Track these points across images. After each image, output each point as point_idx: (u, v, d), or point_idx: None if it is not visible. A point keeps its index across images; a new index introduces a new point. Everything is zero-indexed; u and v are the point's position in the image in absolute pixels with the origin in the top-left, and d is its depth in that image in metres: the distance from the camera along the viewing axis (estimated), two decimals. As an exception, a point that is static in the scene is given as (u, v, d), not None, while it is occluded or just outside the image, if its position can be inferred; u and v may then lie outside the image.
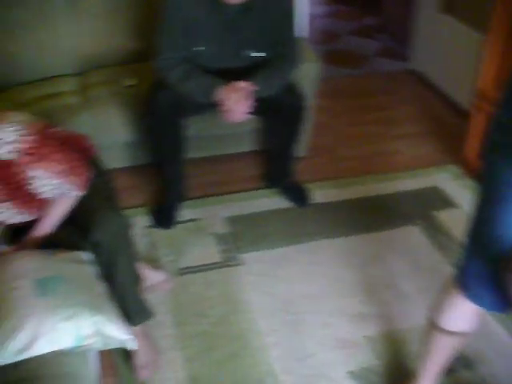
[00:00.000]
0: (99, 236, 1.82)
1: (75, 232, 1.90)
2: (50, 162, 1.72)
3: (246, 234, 2.75)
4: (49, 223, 1.87)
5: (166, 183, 2.80)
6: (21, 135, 1.68)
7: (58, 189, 1.77)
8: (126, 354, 2.07)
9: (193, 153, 2.82)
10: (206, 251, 2.64)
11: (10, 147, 1.65)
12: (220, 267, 2.56)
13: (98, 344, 1.61)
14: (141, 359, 2.05)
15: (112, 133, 2.83)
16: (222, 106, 2.39)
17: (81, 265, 1.80)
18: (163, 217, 2.79)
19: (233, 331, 2.26)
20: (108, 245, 1.84)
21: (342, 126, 3.64)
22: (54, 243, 1.87)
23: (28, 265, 1.71)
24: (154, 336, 2.17)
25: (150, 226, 2.77)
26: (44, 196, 1.78)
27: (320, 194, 3.01)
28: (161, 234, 2.73)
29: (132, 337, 1.69)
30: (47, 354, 1.52)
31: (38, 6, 2.93)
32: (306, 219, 2.85)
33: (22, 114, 1.79)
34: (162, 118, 2.49)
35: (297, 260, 2.61)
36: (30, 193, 1.75)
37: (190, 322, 2.29)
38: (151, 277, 2.35)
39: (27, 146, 1.68)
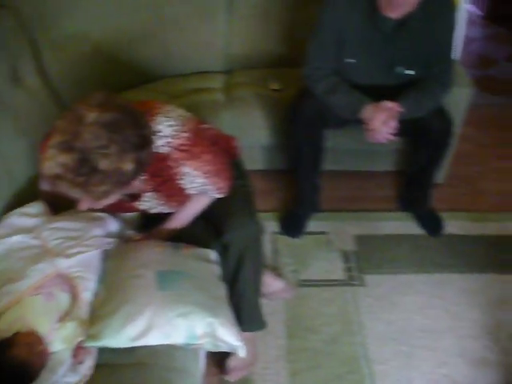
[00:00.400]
0: (231, 239, 1.86)
1: (207, 230, 1.95)
2: (200, 161, 1.74)
3: (371, 254, 2.70)
4: (183, 218, 1.93)
5: (300, 192, 2.80)
6: (176, 131, 1.69)
7: (201, 187, 1.80)
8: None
9: (327, 165, 2.80)
10: (329, 267, 2.62)
11: (164, 141, 1.67)
12: (340, 285, 2.53)
13: (208, 345, 1.65)
14: (237, 362, 2.07)
15: (251, 135, 2.87)
16: (367, 125, 2.35)
17: (206, 263, 1.85)
18: (292, 225, 2.80)
19: (343, 352, 2.23)
20: (238, 249, 1.87)
21: (488, 157, 3.44)
22: (184, 237, 1.92)
23: (154, 255, 1.79)
24: (264, 343, 2.20)
25: (277, 233, 2.79)
26: (187, 192, 1.83)
27: (454, 225, 2.87)
28: (286, 242, 2.74)
29: (242, 344, 1.72)
30: (159, 345, 1.59)
31: (200, 1, 3.04)
32: (437, 249, 2.74)
33: (179, 109, 1.81)
34: (304, 127, 2.49)
35: (420, 290, 2.52)
36: (176, 187, 1.79)
37: (301, 335, 2.29)
38: (271, 284, 2.37)
39: (180, 142, 1.70)
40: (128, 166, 1.46)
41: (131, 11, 2.97)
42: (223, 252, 1.91)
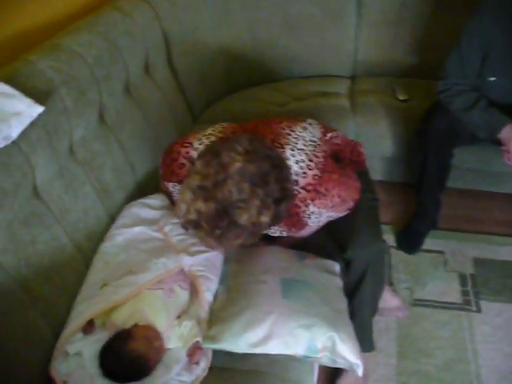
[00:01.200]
0: (354, 256, 1.80)
1: (331, 242, 1.89)
2: (327, 198, 1.60)
3: (490, 280, 2.56)
4: (305, 233, 1.87)
5: (421, 207, 2.69)
6: (303, 168, 1.58)
7: (327, 218, 1.73)
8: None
9: (449, 182, 2.69)
10: (445, 288, 2.51)
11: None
12: (456, 308, 2.42)
13: (325, 359, 1.60)
14: (349, 380, 2.02)
15: (375, 144, 2.79)
16: (505, 147, 2.23)
17: (330, 275, 1.80)
18: (409, 241, 2.71)
19: (455, 381, 2.12)
20: (360, 267, 1.81)
21: None
22: (308, 246, 1.88)
23: (278, 262, 1.77)
24: (375, 361, 2.13)
25: (392, 247, 2.71)
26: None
27: None
28: (402, 257, 2.65)
29: (361, 362, 1.65)
30: (276, 355, 1.56)
31: (329, 4, 3.01)
32: None
33: (306, 132, 1.68)
34: (434, 143, 2.39)
35: (544, 324, 2.37)
36: (301, 221, 1.69)
37: (413, 357, 2.20)
38: (388, 300, 2.30)
39: (307, 181, 1.58)
40: (266, 219, 1.38)
41: (256, 10, 2.97)
42: (344, 267, 1.85)
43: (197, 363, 1.55)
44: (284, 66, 3.13)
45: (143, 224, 1.88)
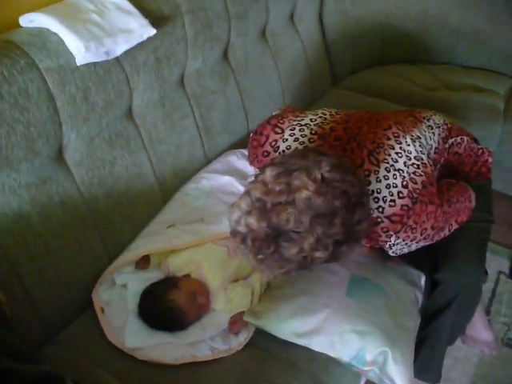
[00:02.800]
0: (446, 280, 1.57)
1: (427, 254, 1.68)
2: (414, 232, 1.36)
3: None
4: None
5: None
6: (394, 195, 1.33)
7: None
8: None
9: None
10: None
11: (377, 205, 1.34)
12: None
13: (372, 374, 1.44)
14: None
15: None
16: None
17: (409, 286, 1.61)
18: (524, 271, 2.42)
19: None
20: (448, 295, 1.59)
21: None
22: None
23: (357, 255, 1.61)
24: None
25: (504, 274, 2.43)
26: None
27: None
28: (511, 288, 2.37)
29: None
30: (320, 353, 1.43)
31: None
32: None
33: (417, 148, 1.42)
34: None
35: None
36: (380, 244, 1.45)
37: (485, 399, 1.97)
38: (478, 329, 2.05)
39: (394, 211, 1.33)
40: (320, 256, 1.18)
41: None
42: (432, 285, 1.65)
43: (236, 334, 1.46)
44: (447, 49, 2.84)
45: (234, 175, 1.80)
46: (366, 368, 1.43)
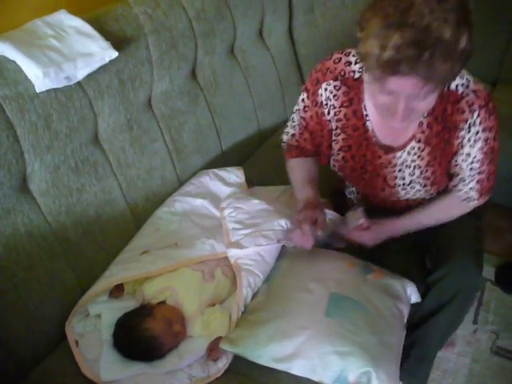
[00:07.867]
0: (443, 282, 1.54)
1: (416, 260, 1.66)
2: (490, 120, 1.41)
3: None
4: (417, 221, 1.61)
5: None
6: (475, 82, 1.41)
7: (472, 178, 1.50)
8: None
9: None
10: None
11: (461, 82, 1.39)
12: (544, 368, 2.10)
13: (355, 395, 1.40)
14: None
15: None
16: None
17: (392, 300, 1.54)
18: (511, 278, 2.39)
19: None
20: (447, 293, 1.55)
21: None
22: (387, 254, 1.65)
23: (336, 272, 1.56)
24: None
25: (490, 281, 2.39)
26: (451, 183, 1.55)
27: None
28: (496, 295, 2.34)
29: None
30: (301, 377, 1.38)
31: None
32: None
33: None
34: None
35: None
36: (445, 159, 1.50)
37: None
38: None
39: (478, 87, 1.40)
40: (463, 43, 1.18)
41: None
42: (425, 291, 1.61)
43: (215, 360, 1.40)
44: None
45: (207, 198, 1.77)
46: (348, 389, 1.38)
